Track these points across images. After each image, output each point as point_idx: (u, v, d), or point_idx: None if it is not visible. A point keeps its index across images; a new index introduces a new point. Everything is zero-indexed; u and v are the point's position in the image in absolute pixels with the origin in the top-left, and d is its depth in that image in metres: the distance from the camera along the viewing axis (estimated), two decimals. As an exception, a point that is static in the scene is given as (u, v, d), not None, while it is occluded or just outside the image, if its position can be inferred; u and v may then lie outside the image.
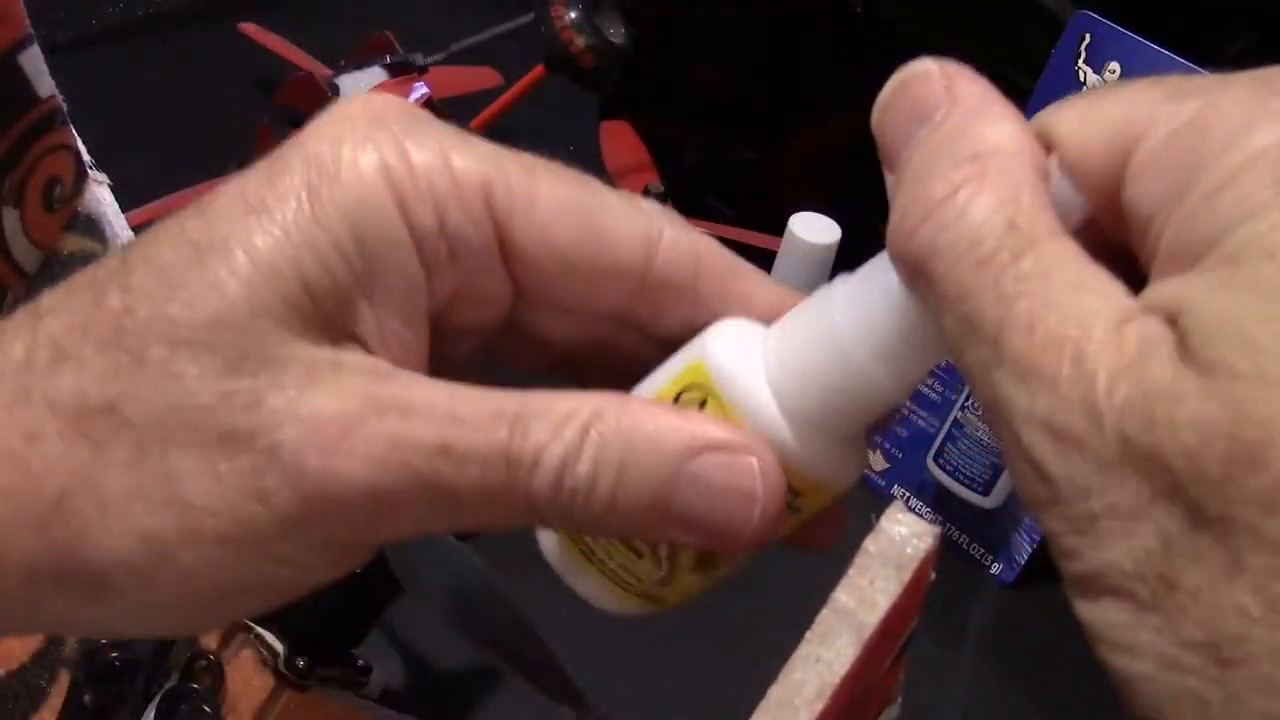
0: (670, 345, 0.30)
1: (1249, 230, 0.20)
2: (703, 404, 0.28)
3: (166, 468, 0.25)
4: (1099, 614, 0.23)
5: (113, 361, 0.25)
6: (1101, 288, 0.21)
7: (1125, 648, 0.22)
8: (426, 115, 0.28)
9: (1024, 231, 0.22)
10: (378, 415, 0.25)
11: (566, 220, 0.28)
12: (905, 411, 0.69)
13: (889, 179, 0.25)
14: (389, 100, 0.28)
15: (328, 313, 0.26)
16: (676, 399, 0.28)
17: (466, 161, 0.27)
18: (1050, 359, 0.21)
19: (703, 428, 0.27)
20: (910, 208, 0.24)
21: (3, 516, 0.25)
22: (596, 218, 0.28)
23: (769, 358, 0.27)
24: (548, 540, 0.31)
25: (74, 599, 0.26)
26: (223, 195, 0.27)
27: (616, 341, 0.31)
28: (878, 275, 0.26)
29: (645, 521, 0.27)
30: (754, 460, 0.26)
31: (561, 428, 0.26)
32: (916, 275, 0.23)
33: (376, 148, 0.27)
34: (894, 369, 0.26)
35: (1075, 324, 0.21)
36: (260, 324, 0.25)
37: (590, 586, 0.30)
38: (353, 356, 0.26)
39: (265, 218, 0.26)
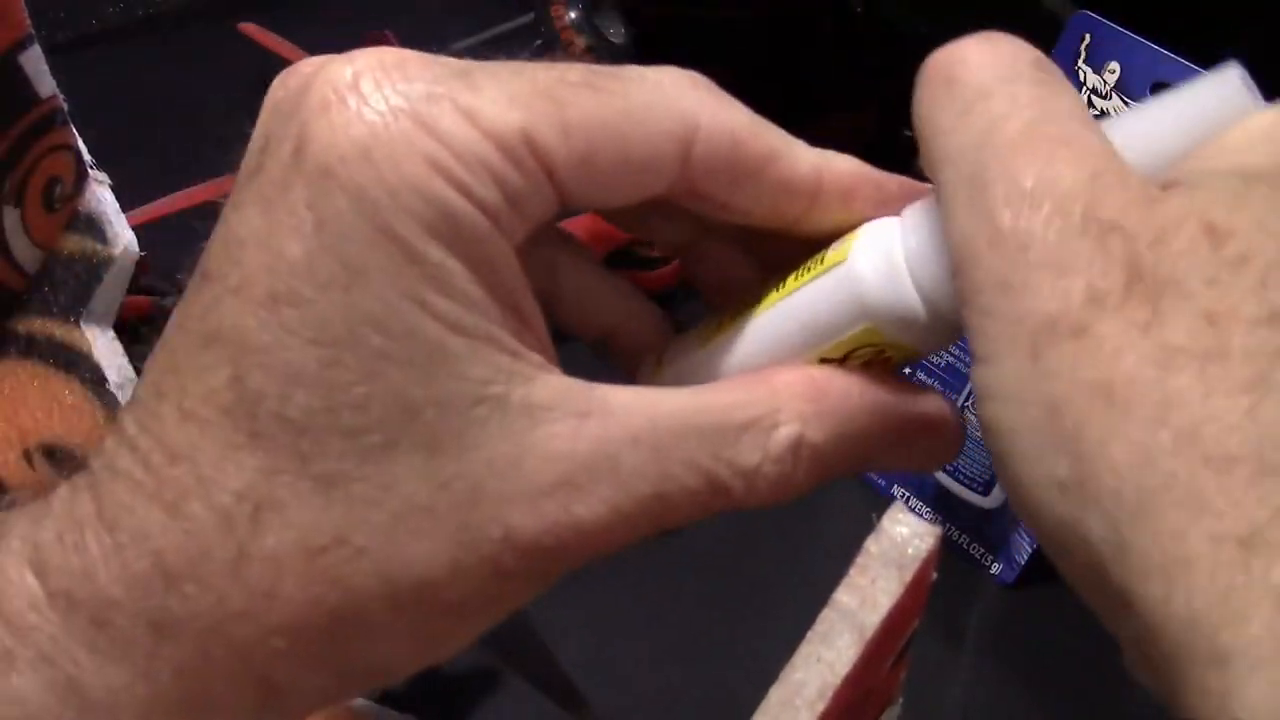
0: (705, 233, 0.31)
1: None
2: (880, 351, 0.28)
3: (416, 584, 0.25)
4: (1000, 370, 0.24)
5: (314, 494, 0.24)
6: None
7: (1010, 397, 0.23)
8: (414, 63, 0.25)
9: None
10: (590, 478, 0.25)
11: (601, 143, 0.27)
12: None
13: None
14: (368, 63, 0.25)
15: (482, 334, 0.25)
16: (847, 356, 0.28)
17: (494, 114, 0.25)
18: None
19: (901, 407, 0.28)
20: None
21: (276, 667, 0.25)
22: (629, 131, 0.27)
23: (918, 272, 0.27)
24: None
25: (357, 690, 0.27)
26: (290, 272, 0.24)
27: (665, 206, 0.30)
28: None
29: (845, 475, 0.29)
30: (951, 424, 0.29)
31: (768, 443, 0.27)
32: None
33: (410, 143, 0.24)
34: None
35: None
36: (436, 392, 0.24)
37: None
38: (539, 391, 0.25)
39: (367, 280, 0.24)
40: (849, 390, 0.28)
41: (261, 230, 0.24)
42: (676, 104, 0.27)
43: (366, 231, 0.24)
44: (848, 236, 0.29)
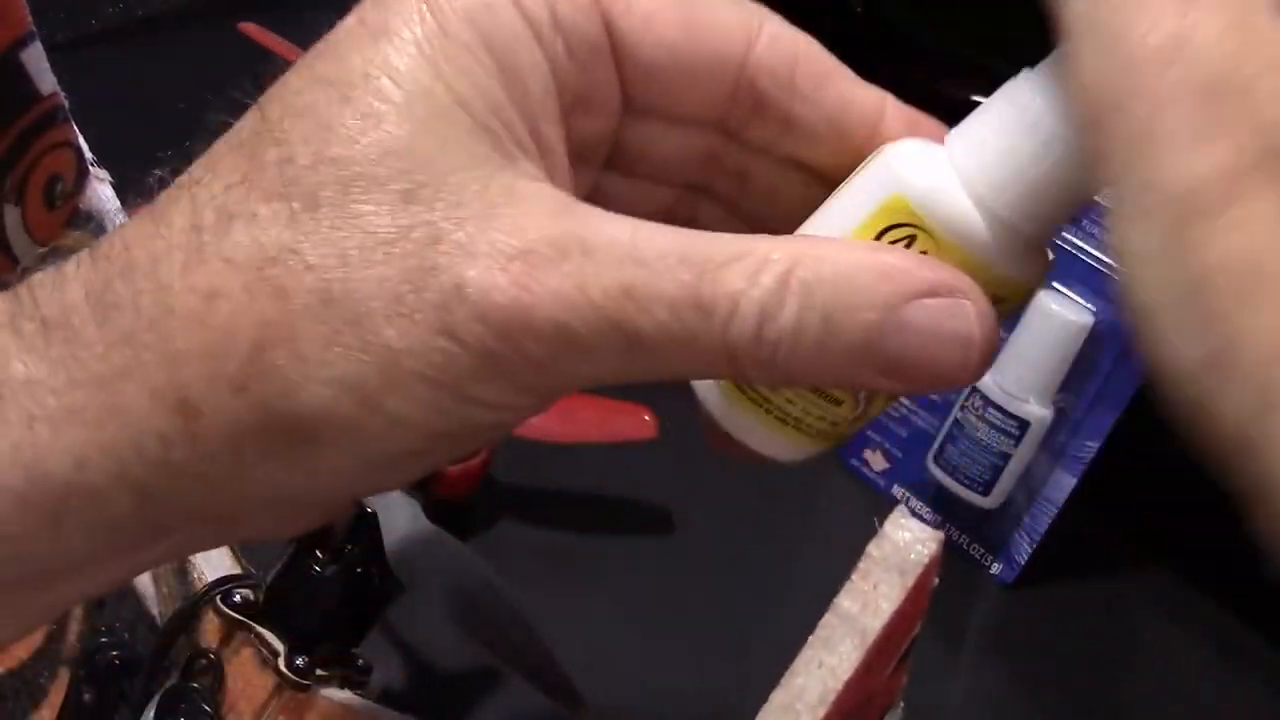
0: (767, 156, 0.30)
1: None
2: (910, 240, 0.26)
3: (357, 310, 0.24)
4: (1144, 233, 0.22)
5: (285, 210, 0.25)
6: None
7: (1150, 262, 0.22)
8: None
9: None
10: (560, 254, 0.25)
11: (666, 10, 0.28)
12: (905, 411, 0.69)
13: None
14: None
15: (484, 123, 0.26)
16: (879, 237, 0.27)
17: None
18: None
19: (914, 269, 0.25)
20: None
21: (197, 377, 0.25)
22: (696, 7, 0.28)
23: (965, 171, 0.26)
24: (707, 390, 0.30)
25: (281, 457, 0.26)
26: (340, 30, 0.26)
27: (719, 161, 0.30)
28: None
29: (850, 371, 0.26)
30: (969, 303, 0.25)
31: (757, 274, 0.25)
32: None
33: None
34: None
35: None
36: (424, 146, 0.25)
37: (762, 436, 0.29)
38: (524, 184, 0.26)
39: (395, 39, 0.25)
40: (854, 246, 0.26)
41: (337, 30, 0.27)
42: (746, 6, 0.28)
43: (414, 2, 0.26)
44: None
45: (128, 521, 0.26)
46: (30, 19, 0.49)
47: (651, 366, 0.26)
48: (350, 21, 0.26)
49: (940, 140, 0.28)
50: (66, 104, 0.52)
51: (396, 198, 0.25)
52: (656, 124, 0.30)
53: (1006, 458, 0.63)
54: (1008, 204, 0.26)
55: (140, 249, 0.25)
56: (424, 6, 0.26)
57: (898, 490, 0.70)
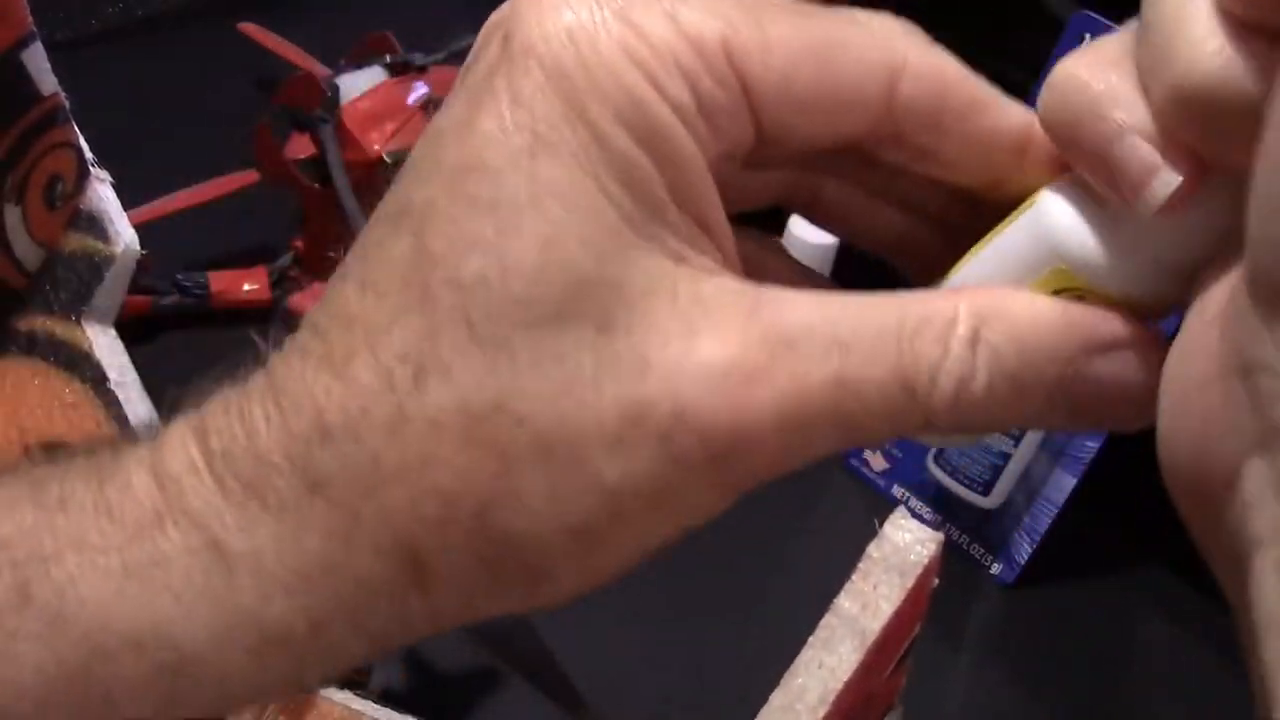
0: (901, 174, 0.29)
1: None
2: (1079, 299, 0.26)
3: (574, 455, 0.24)
4: None
5: (479, 359, 0.24)
6: None
7: None
8: None
9: None
10: (769, 358, 0.24)
11: (803, 65, 0.26)
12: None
13: None
14: None
15: (655, 232, 0.25)
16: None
17: (696, 23, 0.25)
18: None
19: (1099, 323, 0.25)
20: None
21: (424, 536, 0.24)
22: (834, 57, 0.26)
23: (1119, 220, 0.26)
24: None
25: (512, 592, 0.25)
26: (481, 144, 0.24)
27: (854, 160, 0.30)
28: None
29: (1035, 419, 0.26)
30: (1155, 355, 0.25)
31: (947, 338, 0.25)
32: None
33: (610, 32, 0.24)
34: None
35: None
36: (607, 272, 0.24)
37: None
38: (708, 285, 0.25)
39: (552, 153, 0.24)
40: (1033, 299, 0.26)
41: (461, 115, 0.25)
42: (884, 39, 0.27)
43: (560, 107, 0.24)
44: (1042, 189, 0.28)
45: (358, 657, 0.26)
46: (30, 19, 0.49)
47: (867, 439, 0.26)
48: (490, 127, 0.24)
49: None
50: (67, 104, 0.52)
51: (592, 331, 0.24)
52: (791, 145, 0.29)
53: (1006, 458, 0.63)
54: (1166, 245, 0.26)
55: (333, 413, 0.24)
56: (572, 112, 0.24)
57: (898, 490, 0.70)
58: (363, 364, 0.24)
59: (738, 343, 0.24)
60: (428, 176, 0.25)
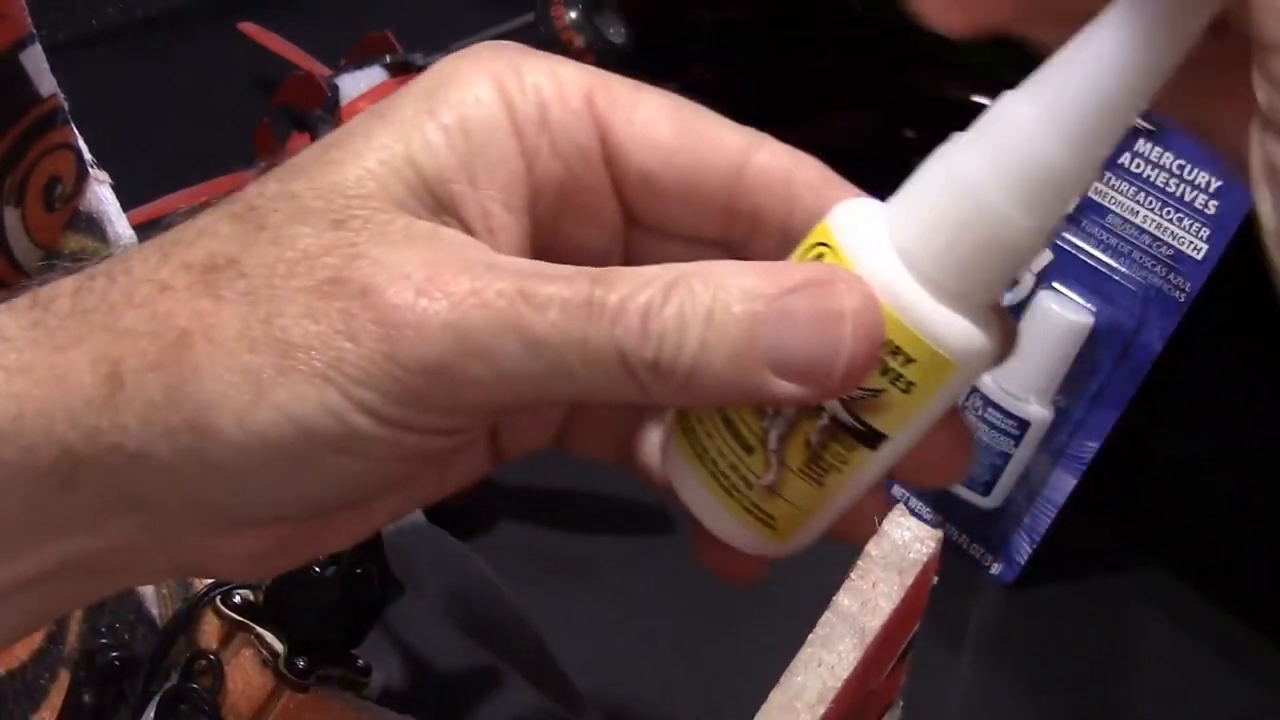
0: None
1: None
2: (819, 258, 0.27)
3: (270, 309, 0.27)
4: None
5: (239, 228, 0.28)
6: None
7: None
8: (541, 52, 0.31)
9: None
10: (463, 265, 0.27)
11: (664, 121, 0.31)
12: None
13: None
14: (506, 41, 0.32)
15: (432, 189, 0.29)
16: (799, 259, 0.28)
17: (571, 71, 0.30)
18: None
19: (792, 269, 0.27)
20: None
21: (129, 351, 0.27)
22: (694, 122, 0.31)
23: (894, 221, 0.27)
24: (662, 443, 0.31)
25: (180, 441, 0.27)
26: (361, 113, 0.31)
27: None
28: (1004, 124, 0.26)
29: (738, 367, 0.26)
30: (841, 285, 0.26)
31: (648, 282, 0.27)
32: None
33: (490, 61, 0.30)
34: (1032, 213, 0.26)
35: None
36: (367, 189, 0.28)
37: (697, 493, 0.30)
38: (450, 230, 0.29)
39: (386, 116, 0.30)
40: (742, 264, 0.27)
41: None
42: (742, 127, 0.31)
43: (415, 93, 0.30)
44: None
45: (50, 490, 0.28)
46: (30, 21, 0.49)
47: (554, 374, 0.27)
48: (377, 106, 0.30)
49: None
50: (66, 106, 0.52)
51: (328, 224, 0.28)
52: (662, 240, 0.32)
53: (1006, 458, 0.63)
54: (926, 260, 0.26)
55: (135, 251, 0.29)
56: (421, 97, 0.30)
57: (898, 489, 0.70)
58: (175, 230, 0.29)
59: (441, 254, 0.27)
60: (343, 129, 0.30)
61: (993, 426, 0.62)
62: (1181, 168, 0.56)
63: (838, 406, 0.27)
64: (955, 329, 0.26)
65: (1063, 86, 0.26)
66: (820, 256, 0.27)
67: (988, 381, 0.63)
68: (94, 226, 0.54)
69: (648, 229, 0.32)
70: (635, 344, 0.26)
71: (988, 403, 0.62)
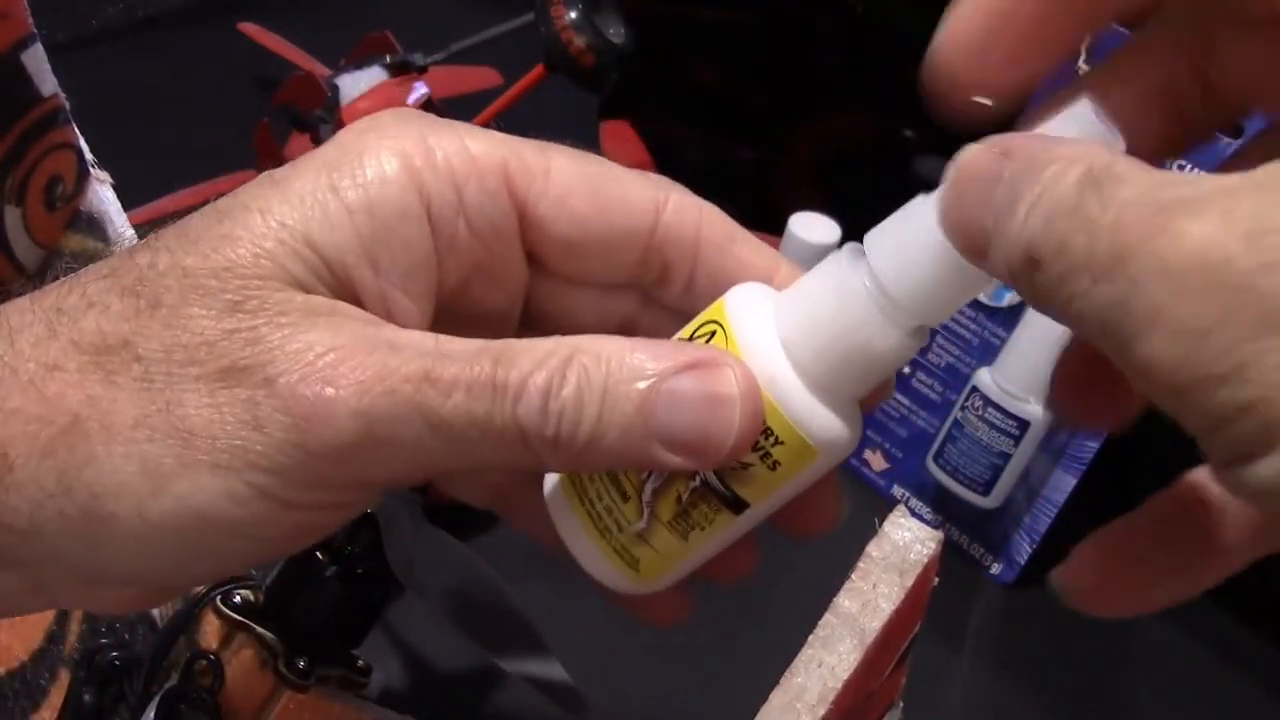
0: (680, 318, 0.31)
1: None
2: (711, 336, 0.29)
3: (169, 398, 0.27)
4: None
5: (132, 305, 0.27)
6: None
7: None
8: (447, 121, 0.31)
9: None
10: (367, 349, 0.27)
11: (580, 189, 0.31)
12: (905, 411, 0.69)
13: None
14: (411, 110, 0.31)
15: (332, 270, 0.28)
16: (691, 336, 0.30)
17: (484, 146, 0.30)
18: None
19: (684, 349, 0.28)
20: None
21: (18, 434, 0.27)
22: (607, 185, 0.31)
23: (782, 312, 0.29)
24: (546, 477, 0.32)
25: (74, 526, 0.27)
26: (255, 179, 0.29)
27: (635, 322, 0.33)
28: (906, 229, 0.27)
29: (630, 441, 0.28)
30: (730, 370, 0.28)
31: (546, 359, 0.27)
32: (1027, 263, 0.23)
33: (397, 137, 0.29)
34: (911, 333, 0.27)
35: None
36: (264, 269, 0.27)
37: (573, 528, 0.32)
38: (349, 308, 0.28)
39: (285, 187, 0.28)
40: (632, 338, 0.29)
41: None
42: (652, 184, 0.31)
43: (318, 165, 0.29)
44: None
45: None
46: (31, 20, 0.49)
47: (456, 451, 0.28)
48: (265, 174, 0.29)
49: None
50: (67, 105, 0.52)
51: (227, 308, 0.27)
52: (572, 288, 0.33)
53: (1006, 458, 0.63)
54: (802, 353, 0.28)
55: (16, 317, 0.28)
56: (324, 170, 0.29)
57: (898, 490, 0.70)
58: (57, 290, 0.28)
59: (344, 337, 0.27)
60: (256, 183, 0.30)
61: (993, 426, 0.62)
62: (1181, 168, 0.56)
63: (710, 473, 0.29)
64: (824, 422, 0.28)
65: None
66: (712, 334, 0.29)
67: (988, 381, 0.63)
68: (95, 226, 0.54)
69: (560, 280, 0.33)
70: (536, 422, 0.27)
71: (988, 403, 0.62)
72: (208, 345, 0.27)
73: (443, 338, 0.28)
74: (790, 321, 0.28)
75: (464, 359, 0.27)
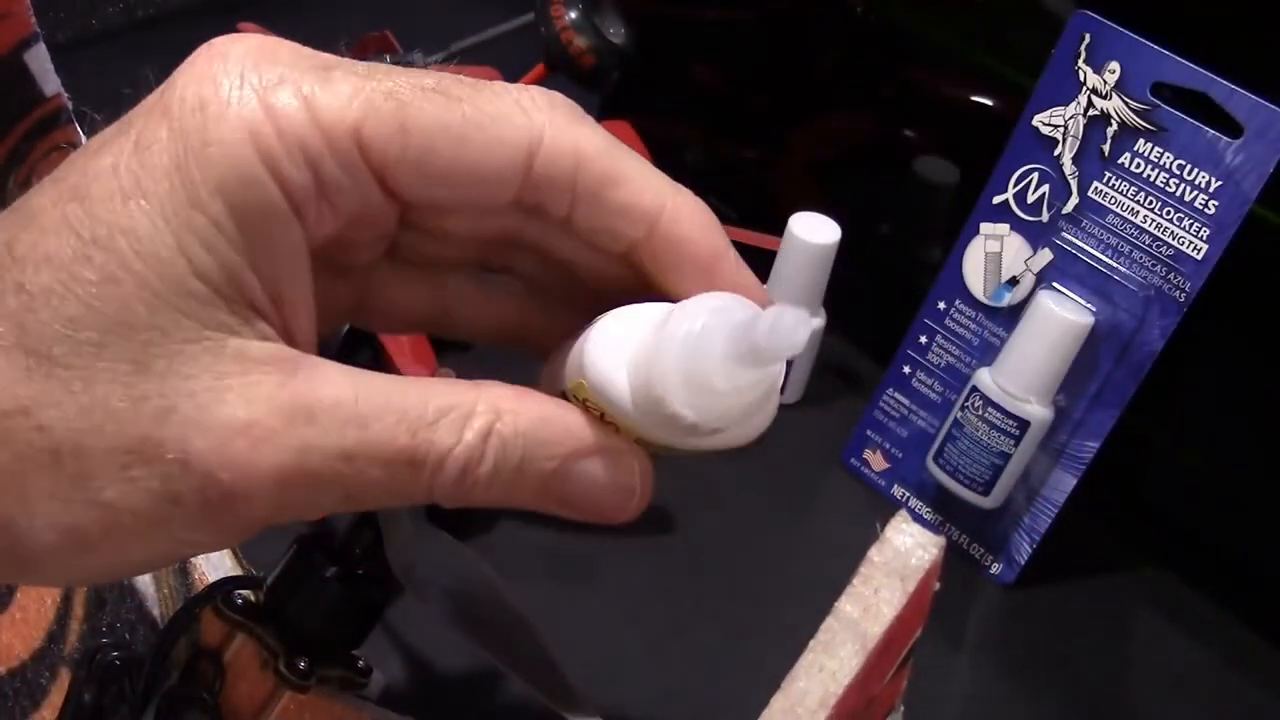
0: (564, 246, 0.32)
1: None
2: (602, 414, 0.30)
3: (82, 470, 0.26)
4: None
5: (22, 363, 0.26)
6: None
7: None
8: (290, 54, 0.29)
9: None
10: (285, 424, 0.27)
11: (441, 145, 0.28)
12: (905, 411, 0.69)
13: None
14: (249, 45, 0.29)
15: (221, 292, 0.27)
16: (584, 401, 0.30)
17: (333, 108, 0.27)
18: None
19: (590, 434, 0.29)
20: None
21: None
22: (469, 134, 0.29)
23: (637, 354, 0.28)
24: None
25: (7, 571, 0.28)
26: (94, 175, 0.27)
27: (516, 235, 0.32)
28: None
29: (535, 505, 0.30)
30: (634, 463, 0.30)
31: (463, 429, 0.28)
32: None
33: (241, 113, 0.27)
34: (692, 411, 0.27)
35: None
36: (160, 320, 0.26)
37: None
38: (255, 349, 0.27)
39: (144, 203, 0.26)
40: (545, 403, 0.30)
41: (102, 141, 0.27)
42: (524, 117, 0.29)
43: (167, 164, 0.26)
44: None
45: None
46: (34, 20, 0.49)
47: (363, 508, 0.29)
48: (104, 164, 0.27)
49: (706, 268, 0.31)
50: (70, 105, 0.52)
51: (130, 370, 0.26)
52: (446, 215, 0.32)
53: (1006, 458, 0.63)
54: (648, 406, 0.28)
55: None
56: (175, 173, 0.26)
57: (898, 490, 0.70)
58: None
59: (260, 408, 0.26)
60: (51, 183, 0.27)
61: (993, 426, 0.62)
62: (1181, 168, 0.56)
63: None
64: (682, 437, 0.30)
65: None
66: (604, 415, 0.30)
67: (988, 381, 0.63)
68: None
69: (429, 219, 0.32)
70: (450, 492, 0.29)
71: (988, 403, 0.62)
72: (115, 416, 0.26)
73: (361, 388, 0.28)
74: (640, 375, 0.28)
75: (382, 431, 0.27)
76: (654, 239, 0.30)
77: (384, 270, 0.33)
